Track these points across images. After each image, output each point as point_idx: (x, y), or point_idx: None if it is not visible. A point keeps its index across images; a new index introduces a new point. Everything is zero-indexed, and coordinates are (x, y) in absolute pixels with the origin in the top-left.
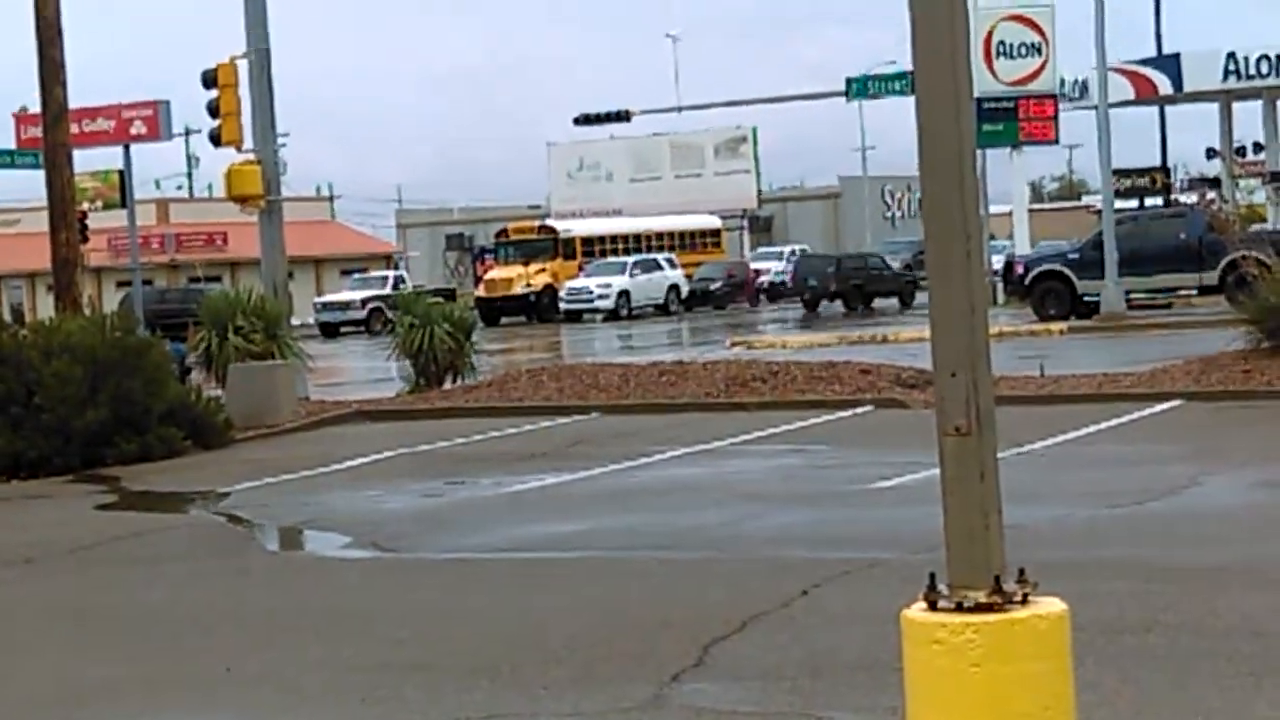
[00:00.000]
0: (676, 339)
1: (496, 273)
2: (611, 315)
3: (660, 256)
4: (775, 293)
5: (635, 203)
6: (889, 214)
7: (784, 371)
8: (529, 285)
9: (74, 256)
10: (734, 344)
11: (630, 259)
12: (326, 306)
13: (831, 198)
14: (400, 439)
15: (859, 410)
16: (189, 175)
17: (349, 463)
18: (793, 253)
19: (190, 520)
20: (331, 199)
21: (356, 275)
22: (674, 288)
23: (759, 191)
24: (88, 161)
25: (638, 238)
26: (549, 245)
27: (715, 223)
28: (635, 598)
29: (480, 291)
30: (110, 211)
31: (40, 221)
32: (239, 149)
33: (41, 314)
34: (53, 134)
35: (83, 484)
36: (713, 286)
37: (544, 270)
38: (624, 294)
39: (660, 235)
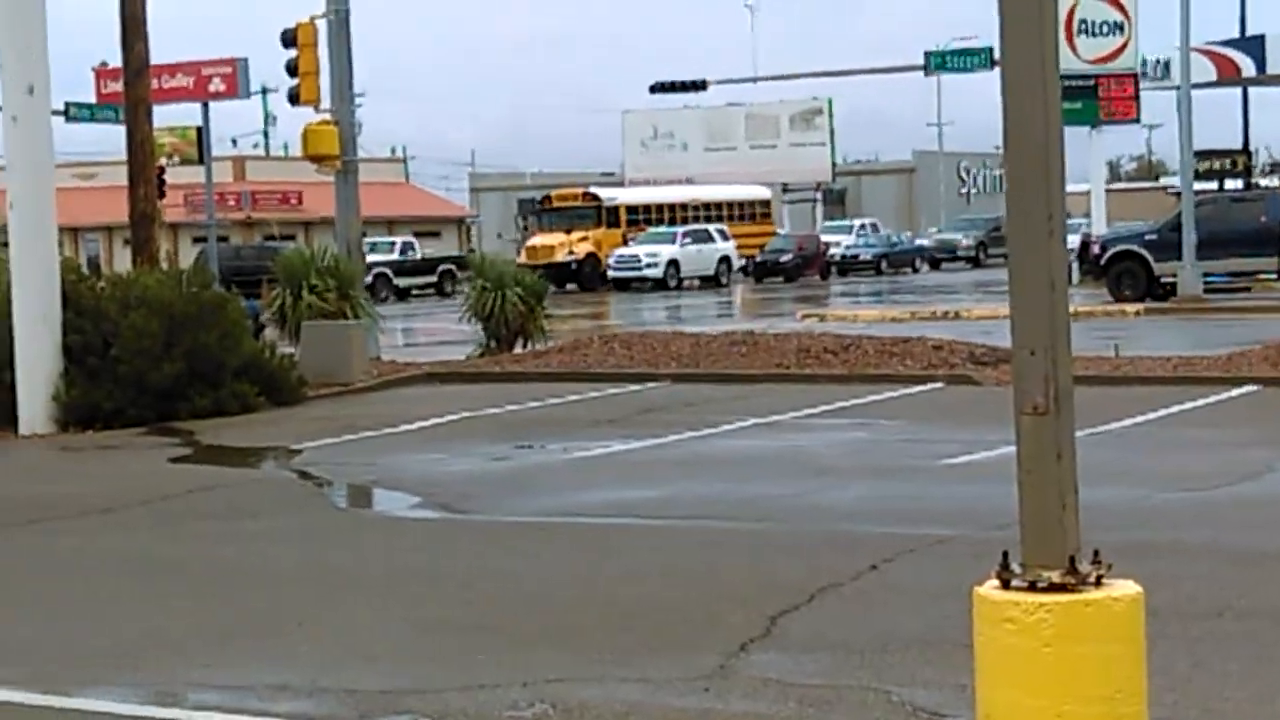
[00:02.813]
0: (738, 310)
1: (538, 239)
2: (659, 285)
3: (712, 227)
4: (846, 266)
5: (709, 172)
6: (964, 190)
7: (855, 345)
8: (571, 253)
9: (152, 211)
10: (805, 316)
11: (680, 228)
12: None
13: (906, 172)
14: (469, 401)
15: (930, 386)
16: (265, 134)
17: (419, 423)
18: (862, 226)
19: (262, 475)
20: (405, 161)
21: (365, 240)
22: (724, 259)
23: (833, 164)
24: (166, 117)
25: (684, 207)
26: (592, 213)
27: (765, 194)
28: (703, 566)
29: (522, 258)
30: (187, 167)
31: (117, 176)
32: (316, 109)
33: (118, 267)
34: (133, 89)
35: (157, 436)
36: (783, 259)
37: (586, 238)
38: (673, 264)
39: (708, 206)
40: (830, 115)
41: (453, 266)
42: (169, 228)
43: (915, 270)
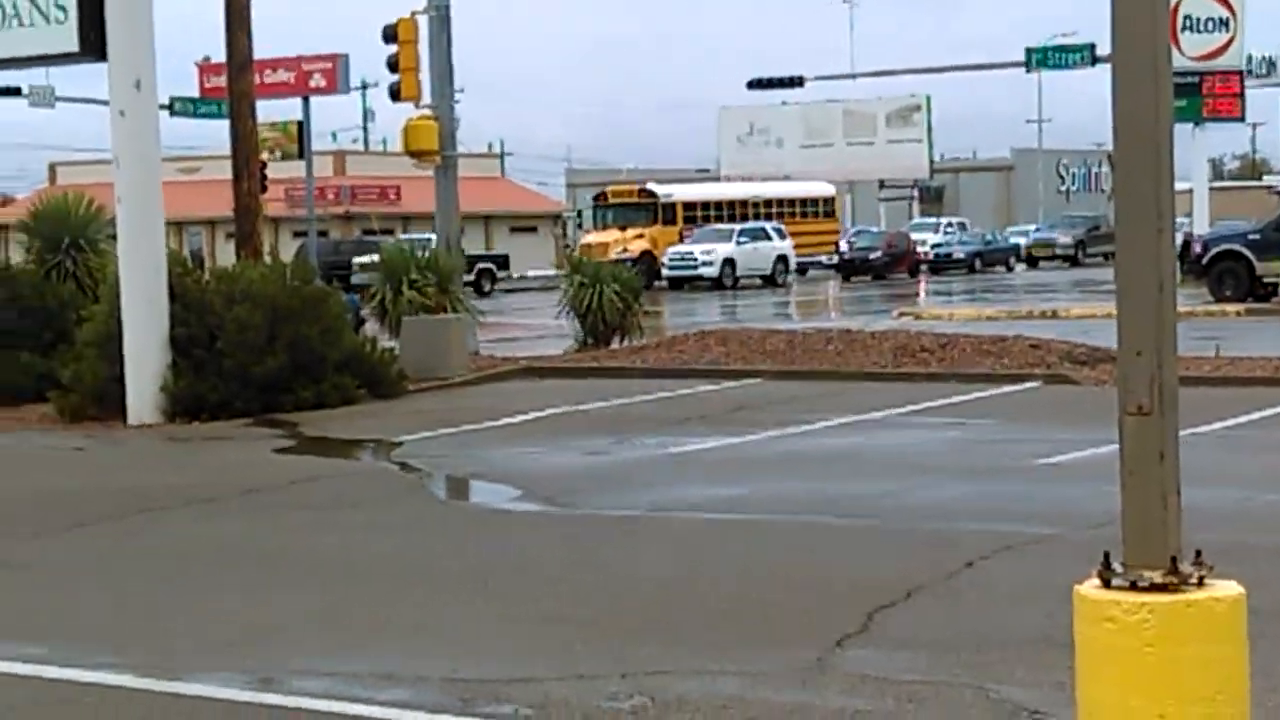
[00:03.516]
0: (828, 309)
1: (592, 237)
2: (716, 284)
3: (769, 225)
4: (939, 264)
5: (805, 169)
6: (1063, 188)
7: (952, 344)
8: (625, 250)
9: (255, 205)
10: (901, 315)
11: (736, 226)
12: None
13: (1004, 170)
14: (567, 396)
15: (1027, 385)
16: (364, 129)
17: (517, 417)
18: (949, 225)
19: (363, 467)
20: (502, 156)
21: (403, 238)
22: (781, 259)
23: (930, 161)
24: (268, 112)
25: (743, 204)
26: (648, 210)
27: (828, 190)
28: (799, 562)
29: (576, 254)
30: (288, 162)
31: (220, 170)
32: (416, 104)
33: (220, 261)
34: (237, 83)
35: (261, 428)
36: (872, 256)
37: (642, 235)
38: (729, 262)
39: (768, 203)
40: (928, 112)
41: (492, 266)
42: (270, 222)
43: (1009, 269)
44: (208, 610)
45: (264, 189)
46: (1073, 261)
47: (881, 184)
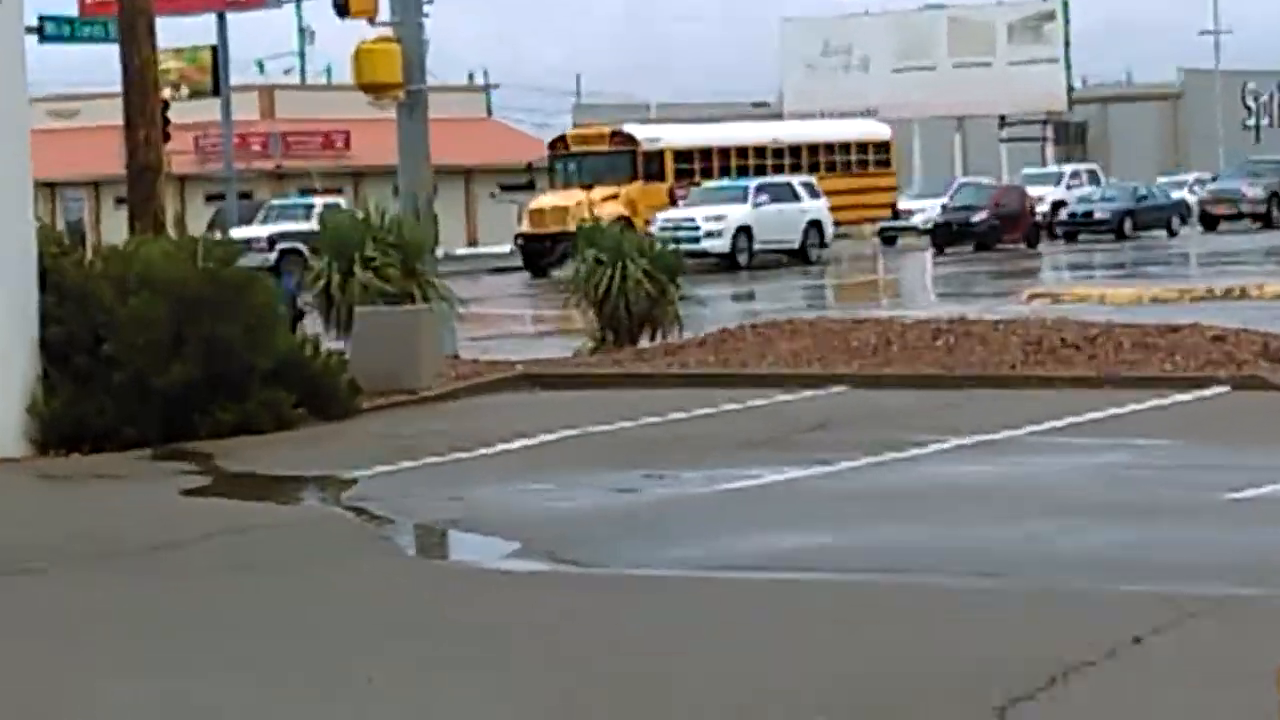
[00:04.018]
0: (919, 291)
1: (547, 199)
2: (726, 262)
3: (796, 180)
4: (1074, 227)
5: (897, 100)
6: (1250, 122)
7: (1105, 336)
8: (591, 217)
9: (155, 160)
10: (1033, 297)
11: (752, 182)
12: None
13: (1170, 98)
14: (581, 413)
15: (1209, 391)
16: (301, 55)
17: (513, 443)
18: (1075, 175)
19: (304, 514)
20: (488, 90)
21: (273, 201)
22: (814, 226)
23: (1069, 89)
24: (171, 35)
25: (760, 153)
26: (625, 161)
27: (881, 132)
28: (902, 639)
29: (524, 225)
30: (198, 101)
31: (107, 113)
32: (372, 21)
33: (108, 235)
34: None
35: (165, 461)
36: (974, 219)
37: (615, 196)
38: (744, 232)
39: (794, 151)
40: (1065, 22)
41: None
42: (176, 181)
43: (1172, 233)
44: (116, 696)
45: (167, 138)
46: (1264, 221)
47: (1002, 120)
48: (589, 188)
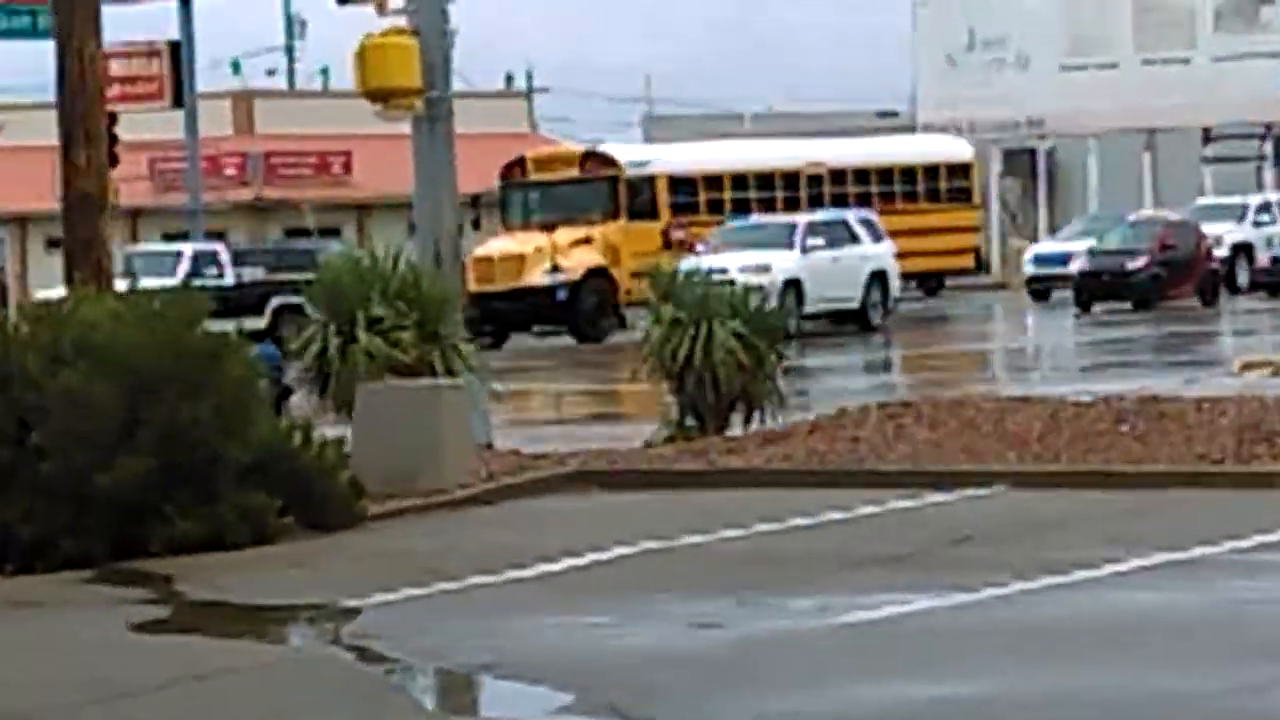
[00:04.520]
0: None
1: (498, 244)
2: None
3: (853, 216)
4: (1267, 279)
5: (1066, 107)
6: None
7: None
8: (555, 271)
9: (98, 189)
10: (1245, 367)
11: (801, 218)
12: None
13: None
14: (653, 522)
15: None
16: (289, 52)
17: (563, 562)
18: (1263, 207)
19: (291, 655)
20: (530, 96)
21: (137, 251)
22: (878, 278)
23: None
24: (121, 27)
25: (791, 181)
26: (603, 192)
27: (958, 152)
28: None
29: (470, 279)
30: (154, 114)
31: (36, 129)
32: (381, 8)
33: (37, 287)
34: None
35: (110, 585)
36: (1130, 266)
37: (588, 240)
38: (792, 286)
39: (839, 178)
40: None
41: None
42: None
43: None
44: None
45: (113, 161)
46: None
47: (1207, 134)
48: (550, 228)
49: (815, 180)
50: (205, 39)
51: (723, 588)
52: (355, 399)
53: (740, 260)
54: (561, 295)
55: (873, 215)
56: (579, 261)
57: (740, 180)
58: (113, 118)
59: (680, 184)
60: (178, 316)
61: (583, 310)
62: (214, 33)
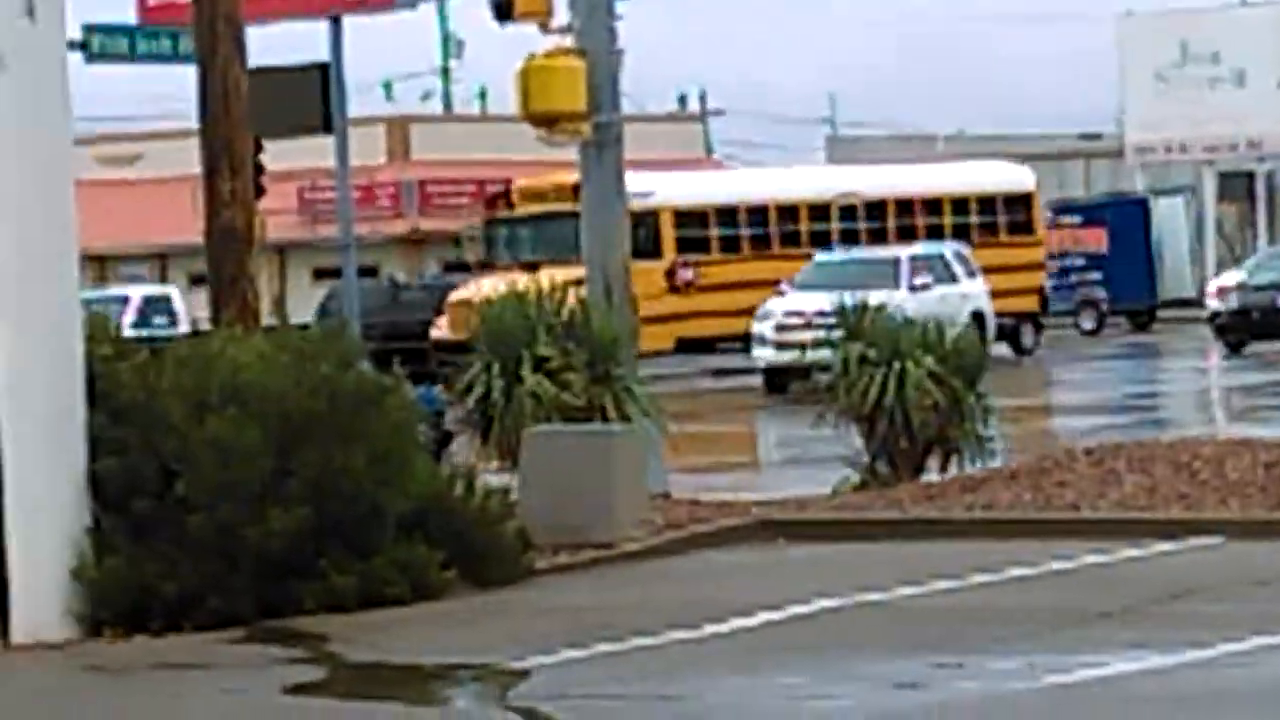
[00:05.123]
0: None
1: (474, 287)
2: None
3: (948, 249)
4: None
5: None
6: None
7: None
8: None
9: (244, 223)
10: None
11: (901, 252)
12: None
13: None
14: (845, 575)
15: None
16: (445, 75)
17: (750, 619)
18: None
19: None
20: (705, 118)
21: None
22: (977, 320)
23: None
24: (265, 49)
25: (819, 214)
26: None
27: (1018, 180)
28: None
29: (440, 327)
30: (302, 139)
31: (178, 159)
32: (545, 26)
33: (182, 325)
34: None
35: (261, 644)
36: None
37: (578, 282)
38: None
39: (875, 211)
40: None
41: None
42: (274, 252)
43: None
44: None
45: (260, 191)
46: None
47: None
48: (533, 268)
49: (847, 213)
50: (356, 61)
51: (921, 646)
52: (521, 445)
53: (817, 301)
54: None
55: (964, 249)
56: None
57: (758, 214)
58: (259, 145)
59: (687, 218)
60: (331, 357)
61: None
62: (365, 54)
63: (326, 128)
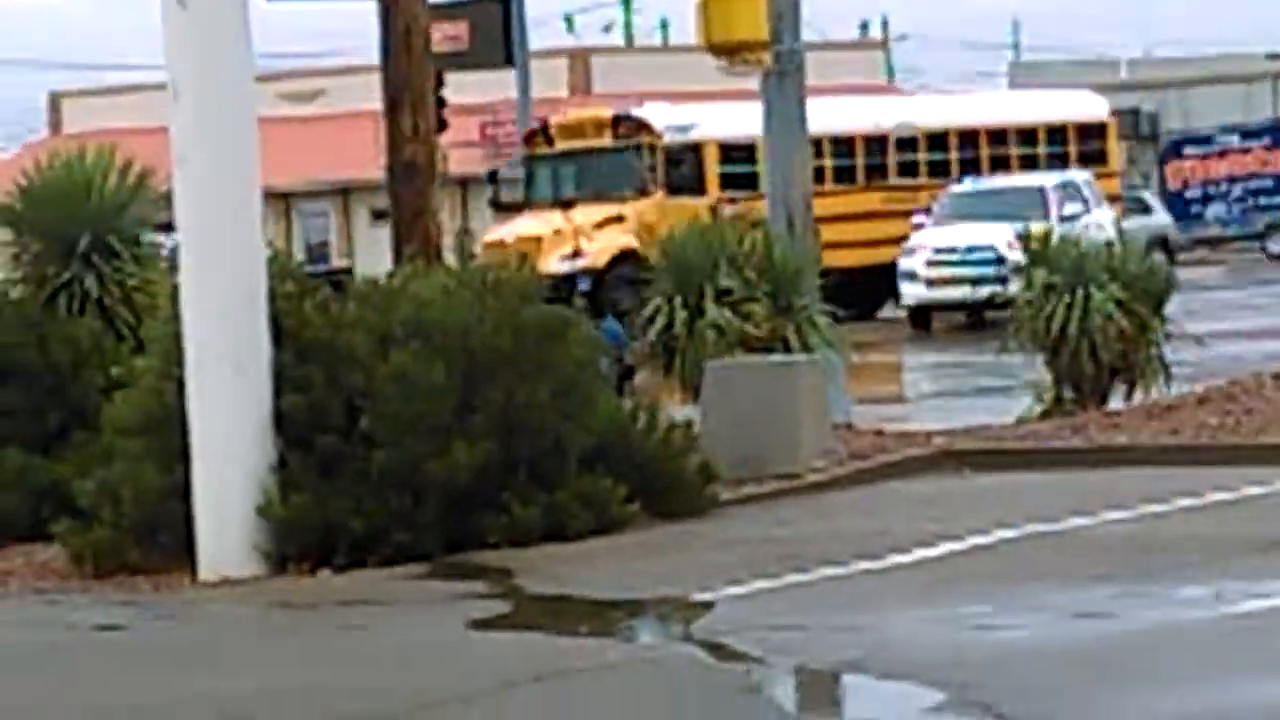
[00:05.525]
0: None
1: (513, 226)
2: (975, 315)
3: (1079, 176)
4: None
5: None
6: None
7: None
8: (575, 257)
9: (426, 157)
10: None
11: (1046, 180)
12: None
13: None
14: (1028, 504)
15: None
16: (626, 6)
17: (932, 548)
18: None
19: (639, 654)
20: (886, 46)
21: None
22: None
23: None
24: None
25: (874, 147)
26: (635, 163)
27: (1090, 109)
28: None
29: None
30: (481, 72)
31: (358, 95)
32: None
33: (362, 263)
34: None
35: (446, 579)
36: None
37: (619, 219)
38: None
39: (938, 142)
40: None
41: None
42: (456, 186)
43: None
44: None
45: (442, 126)
46: None
47: None
48: (568, 206)
49: (905, 145)
50: None
51: (1104, 576)
52: (704, 377)
53: (1003, 233)
54: (584, 285)
55: (1088, 176)
56: (606, 245)
57: (813, 147)
58: (440, 79)
59: (732, 151)
60: (514, 290)
61: (609, 303)
62: None
63: (508, 61)
